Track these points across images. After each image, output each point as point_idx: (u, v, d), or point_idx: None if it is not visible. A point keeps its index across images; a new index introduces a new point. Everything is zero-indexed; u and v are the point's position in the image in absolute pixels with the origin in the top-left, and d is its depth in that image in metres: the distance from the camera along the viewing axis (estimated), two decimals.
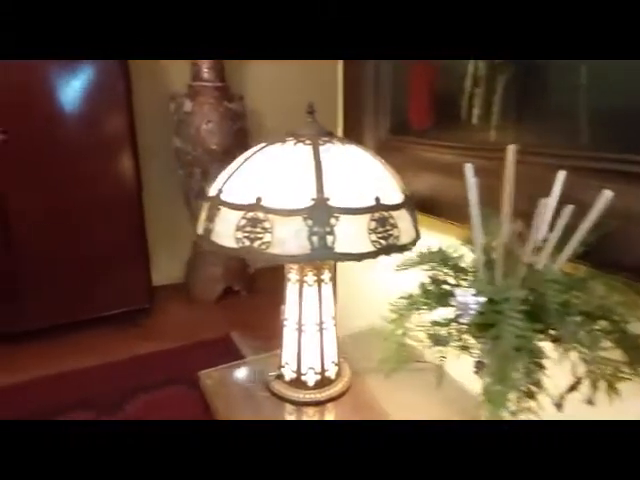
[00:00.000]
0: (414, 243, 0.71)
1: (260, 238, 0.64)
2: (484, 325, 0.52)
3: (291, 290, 0.82)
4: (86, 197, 1.87)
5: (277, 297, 0.85)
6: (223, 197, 0.70)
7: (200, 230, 0.74)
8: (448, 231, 0.86)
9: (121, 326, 2.06)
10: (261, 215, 0.65)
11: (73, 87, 1.79)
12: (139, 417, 1.50)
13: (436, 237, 0.82)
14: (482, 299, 0.53)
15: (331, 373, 0.84)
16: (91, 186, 1.88)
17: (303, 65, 2.52)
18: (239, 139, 2.27)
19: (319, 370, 0.83)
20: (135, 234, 2.00)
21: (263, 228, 0.64)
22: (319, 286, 0.81)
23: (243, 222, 0.66)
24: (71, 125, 1.81)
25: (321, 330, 0.82)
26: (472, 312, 0.52)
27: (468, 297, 0.53)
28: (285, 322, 0.84)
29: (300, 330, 0.82)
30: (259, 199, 0.66)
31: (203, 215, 0.74)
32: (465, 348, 0.58)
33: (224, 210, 0.69)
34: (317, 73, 2.62)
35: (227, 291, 2.37)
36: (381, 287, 0.94)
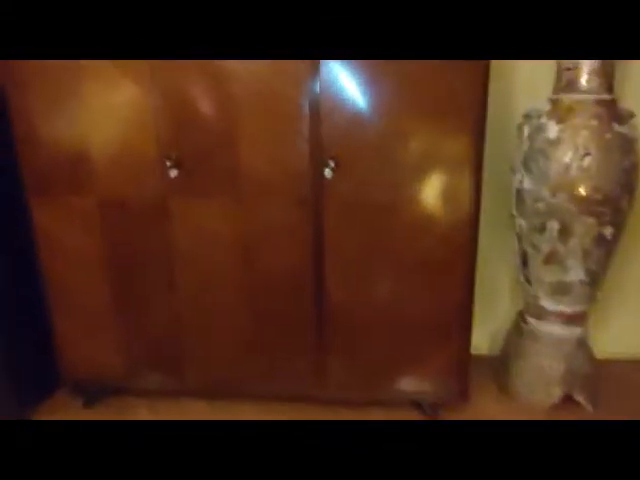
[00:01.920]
0: None
1: None
2: None
3: None
4: (411, 249, 1.44)
5: None
6: None
7: None
8: None
9: (417, 417, 1.59)
10: None
11: (418, 98, 1.35)
12: None
13: None
14: None
15: None
16: (419, 235, 1.43)
17: None
18: (626, 182, 1.49)
19: None
20: (463, 304, 1.47)
21: None
22: None
23: None
24: (403, 152, 1.38)
25: None
26: None
27: None
28: None
29: None
30: None
31: None
32: None
33: None
34: None
35: (564, 398, 1.63)
36: None
